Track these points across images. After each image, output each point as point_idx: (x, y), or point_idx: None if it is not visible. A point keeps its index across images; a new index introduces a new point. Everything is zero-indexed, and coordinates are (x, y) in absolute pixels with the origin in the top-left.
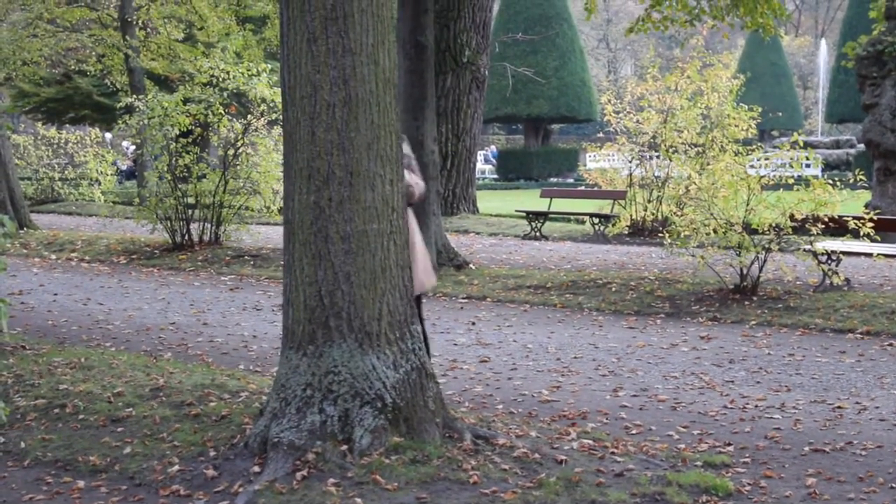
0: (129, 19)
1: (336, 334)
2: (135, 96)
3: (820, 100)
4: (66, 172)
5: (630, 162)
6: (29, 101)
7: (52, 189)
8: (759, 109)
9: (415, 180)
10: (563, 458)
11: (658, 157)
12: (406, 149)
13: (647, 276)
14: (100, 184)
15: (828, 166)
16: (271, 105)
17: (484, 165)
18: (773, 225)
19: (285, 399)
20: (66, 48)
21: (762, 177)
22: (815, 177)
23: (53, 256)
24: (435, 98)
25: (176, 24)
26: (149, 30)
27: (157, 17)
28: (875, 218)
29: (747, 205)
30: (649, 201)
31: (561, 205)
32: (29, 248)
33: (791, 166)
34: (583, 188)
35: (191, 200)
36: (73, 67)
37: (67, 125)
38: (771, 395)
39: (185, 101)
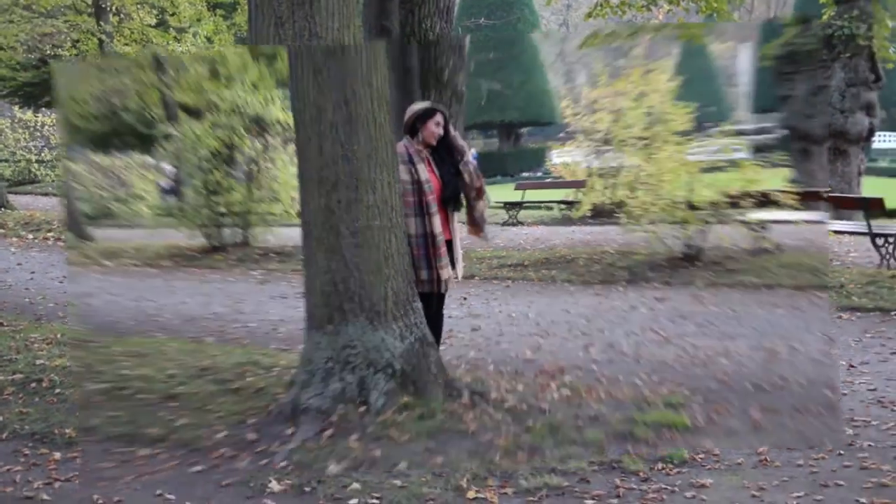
0: (103, 5)
1: (350, 315)
2: (170, 122)
3: (746, 94)
4: (43, 154)
5: (588, 156)
6: (5, 84)
7: (29, 171)
8: (695, 105)
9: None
10: (546, 407)
11: (611, 150)
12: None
13: (609, 250)
14: (145, 200)
15: (755, 150)
16: (285, 126)
17: None
18: (712, 202)
19: (311, 371)
20: (41, 33)
21: (700, 161)
22: (744, 159)
23: (30, 236)
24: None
25: (149, 9)
26: (122, 15)
27: (130, 2)
28: (825, 195)
29: (689, 186)
30: (606, 188)
31: (533, 195)
32: (6, 228)
33: (723, 151)
34: (550, 180)
35: (222, 210)
36: (48, 52)
37: (44, 108)
38: (718, 345)
39: (213, 126)
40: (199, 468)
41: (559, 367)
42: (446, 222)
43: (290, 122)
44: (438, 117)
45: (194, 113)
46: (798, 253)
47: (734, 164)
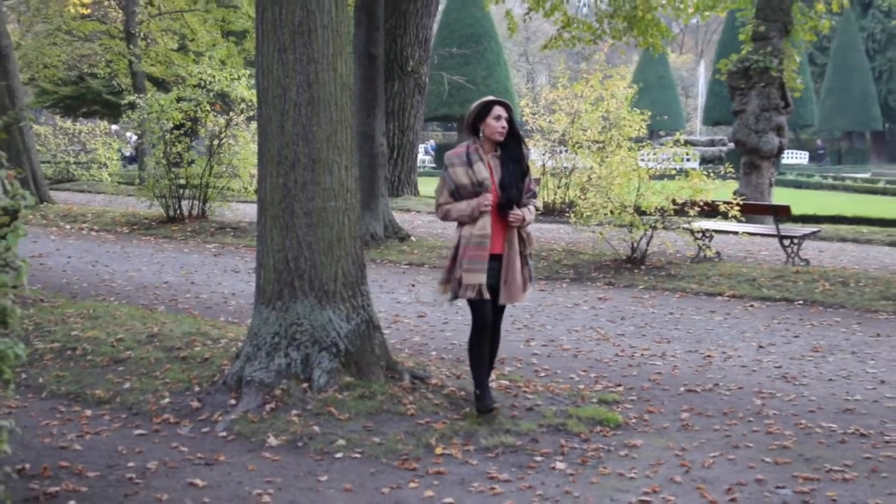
0: (133, 31)
1: (299, 293)
2: (137, 95)
3: (699, 106)
4: (80, 157)
5: (543, 155)
6: (49, 97)
7: (67, 171)
8: (649, 113)
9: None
10: None
11: (566, 151)
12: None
13: (556, 248)
14: (107, 167)
15: (704, 160)
16: (249, 104)
17: (424, 156)
18: (659, 208)
19: (257, 345)
20: (80, 54)
21: (650, 168)
22: (693, 169)
23: (68, 226)
24: (384, 100)
25: (171, 35)
26: (149, 40)
27: (155, 29)
28: (741, 203)
29: (638, 191)
30: (559, 187)
31: None
32: (48, 220)
33: (674, 160)
34: None
35: (182, 182)
36: (85, 70)
37: (81, 118)
38: (654, 346)
39: (179, 99)
40: (141, 431)
41: (500, 357)
42: (499, 229)
43: (255, 99)
44: (498, 109)
45: (161, 84)
46: (738, 263)
47: (683, 172)
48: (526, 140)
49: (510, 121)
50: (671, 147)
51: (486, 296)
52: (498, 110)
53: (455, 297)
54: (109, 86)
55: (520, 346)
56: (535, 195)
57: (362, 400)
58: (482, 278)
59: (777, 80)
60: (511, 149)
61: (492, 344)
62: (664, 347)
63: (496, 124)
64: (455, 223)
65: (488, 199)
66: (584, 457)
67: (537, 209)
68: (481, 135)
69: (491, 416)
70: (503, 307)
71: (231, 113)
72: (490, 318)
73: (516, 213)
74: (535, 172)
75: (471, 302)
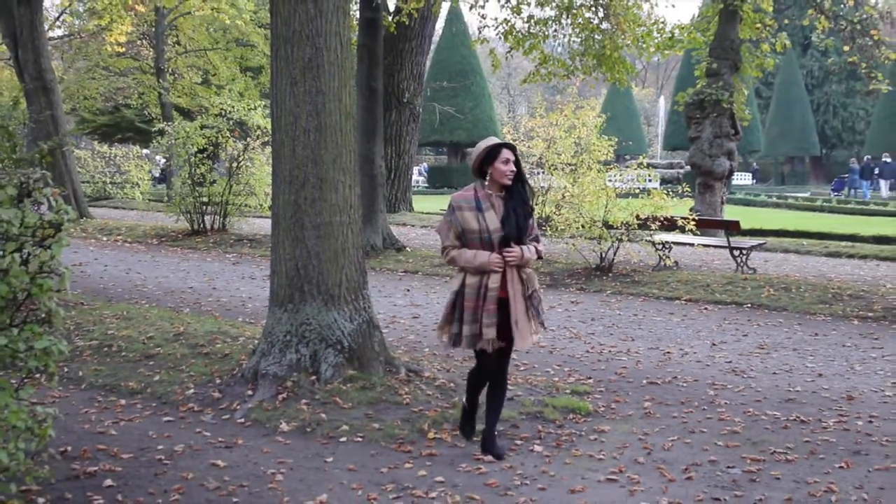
0: (162, 67)
1: (308, 296)
2: (165, 123)
3: (659, 133)
4: (115, 178)
5: None
6: (88, 125)
7: (104, 190)
8: (616, 139)
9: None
10: None
11: (543, 172)
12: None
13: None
14: (139, 186)
15: (664, 181)
16: (264, 130)
17: (418, 177)
18: (624, 222)
19: (271, 342)
20: (115, 88)
21: (617, 188)
22: (655, 188)
23: (104, 238)
24: (383, 127)
25: (196, 71)
26: (176, 75)
27: (182, 65)
28: (696, 218)
29: (606, 207)
30: (536, 204)
31: None
32: (87, 233)
33: (637, 181)
34: None
35: (205, 199)
36: (120, 101)
37: (116, 143)
38: (620, 344)
39: (202, 127)
40: (169, 418)
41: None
42: (505, 277)
43: (269, 126)
44: (507, 153)
45: (187, 113)
46: (694, 271)
47: (646, 192)
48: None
49: (517, 163)
50: (635, 169)
51: (491, 348)
52: (506, 154)
53: (454, 344)
54: (141, 115)
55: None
56: (537, 239)
57: (364, 391)
58: (492, 332)
59: (728, 111)
60: (516, 191)
61: (497, 391)
62: (629, 345)
63: (505, 168)
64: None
65: (500, 262)
66: (559, 441)
67: (539, 255)
68: (488, 178)
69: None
70: (508, 352)
71: (248, 139)
72: (492, 366)
73: (513, 249)
74: None
75: (475, 351)
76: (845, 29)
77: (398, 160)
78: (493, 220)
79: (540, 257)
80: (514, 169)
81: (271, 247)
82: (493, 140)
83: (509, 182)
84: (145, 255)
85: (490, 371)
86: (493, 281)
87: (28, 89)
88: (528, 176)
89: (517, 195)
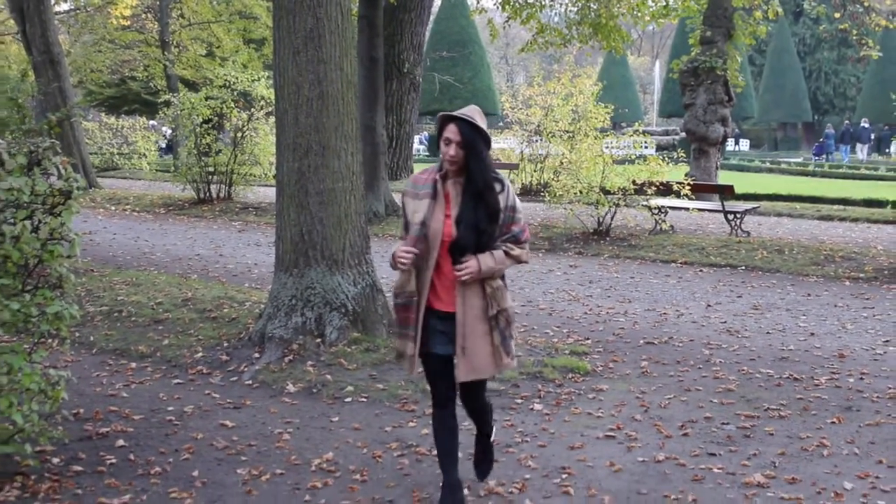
0: (167, 40)
1: (313, 261)
2: (171, 95)
3: (655, 101)
4: (122, 149)
5: (522, 143)
6: (95, 97)
7: (112, 160)
8: (612, 107)
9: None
10: None
11: (541, 139)
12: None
13: (533, 223)
14: (146, 157)
15: (659, 147)
16: (267, 101)
17: (419, 146)
18: (621, 188)
19: (277, 306)
20: (121, 60)
21: (614, 154)
22: (651, 154)
23: (113, 208)
24: (384, 97)
25: (200, 43)
26: (181, 47)
27: (186, 38)
28: (691, 183)
29: (603, 173)
30: (535, 171)
31: None
32: (95, 202)
33: (633, 147)
34: None
35: (210, 169)
36: (126, 74)
37: (123, 115)
38: (618, 305)
39: (207, 98)
40: (179, 381)
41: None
42: (452, 280)
43: (272, 97)
44: (448, 131)
45: (191, 85)
46: (689, 234)
47: (642, 157)
48: (507, 130)
49: (468, 144)
50: (631, 136)
51: (412, 370)
52: (448, 131)
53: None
54: (147, 87)
55: None
56: (516, 238)
57: (367, 352)
58: (408, 347)
59: (722, 78)
60: (476, 179)
61: (480, 416)
62: (626, 306)
63: (445, 150)
64: None
65: (409, 254)
66: (559, 399)
67: (516, 259)
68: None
69: None
70: (477, 382)
71: (252, 109)
72: (444, 397)
73: (465, 264)
74: (514, 158)
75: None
76: None
77: (399, 129)
78: (420, 209)
79: (520, 261)
80: (456, 154)
81: (276, 213)
82: (446, 113)
83: (452, 167)
84: (153, 224)
85: (444, 405)
86: (410, 284)
87: (36, 62)
88: (525, 145)
89: (475, 184)
